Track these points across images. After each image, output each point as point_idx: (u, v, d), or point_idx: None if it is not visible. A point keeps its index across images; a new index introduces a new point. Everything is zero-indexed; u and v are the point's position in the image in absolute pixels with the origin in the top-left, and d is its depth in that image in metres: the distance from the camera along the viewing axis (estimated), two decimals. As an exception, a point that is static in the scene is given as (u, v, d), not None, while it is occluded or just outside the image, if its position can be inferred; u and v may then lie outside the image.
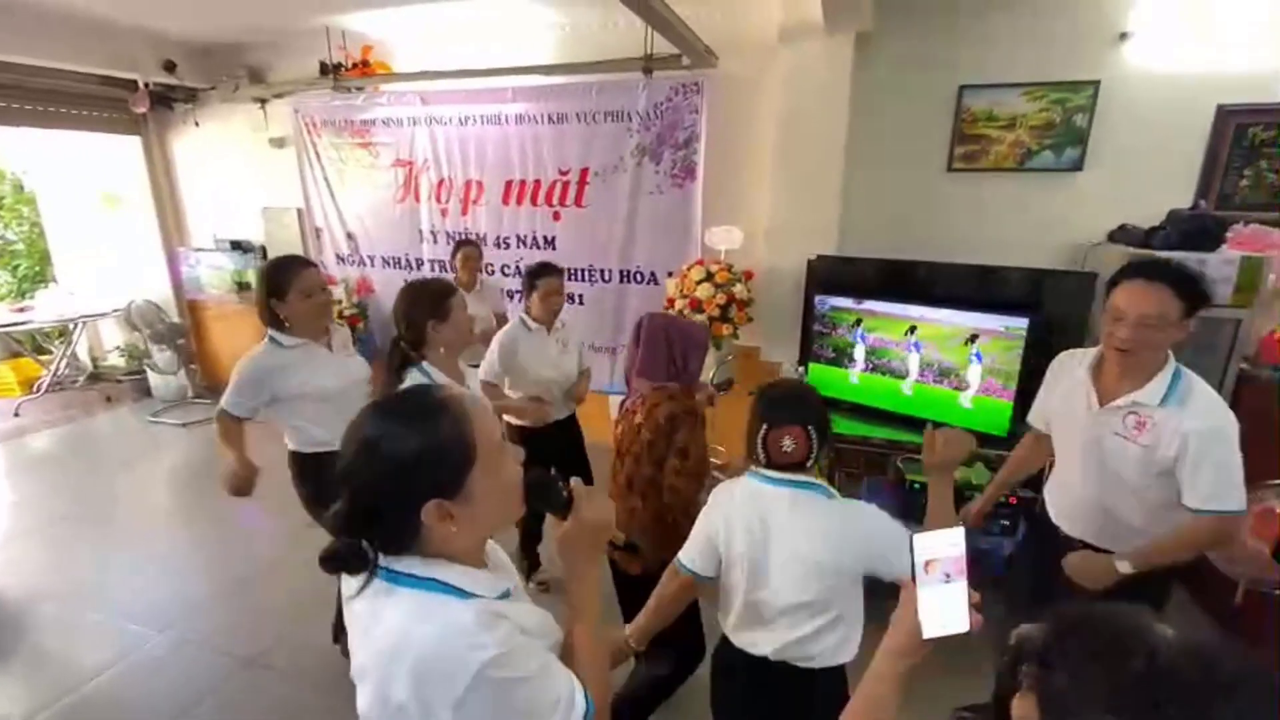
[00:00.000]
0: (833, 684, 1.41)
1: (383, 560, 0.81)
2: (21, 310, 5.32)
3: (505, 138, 4.01)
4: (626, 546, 1.75)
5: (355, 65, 4.10)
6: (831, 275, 3.13)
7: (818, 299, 3.04)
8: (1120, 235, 2.93)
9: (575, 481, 0.94)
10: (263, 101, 4.60)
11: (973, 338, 2.62)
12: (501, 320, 3.66)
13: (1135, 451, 1.53)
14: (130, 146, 5.11)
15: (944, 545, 0.80)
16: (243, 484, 2.10)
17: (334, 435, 2.06)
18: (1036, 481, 2.13)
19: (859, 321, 2.91)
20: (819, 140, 3.23)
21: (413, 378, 1.89)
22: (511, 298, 4.11)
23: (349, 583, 0.83)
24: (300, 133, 4.58)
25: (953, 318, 2.68)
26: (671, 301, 3.48)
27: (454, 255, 3.46)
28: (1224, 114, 2.85)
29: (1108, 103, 2.97)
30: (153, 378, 5.41)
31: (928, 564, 0.81)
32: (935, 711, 0.96)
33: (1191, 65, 2.84)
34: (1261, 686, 0.48)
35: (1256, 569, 2.09)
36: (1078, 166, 3.08)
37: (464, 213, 4.27)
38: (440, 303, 1.92)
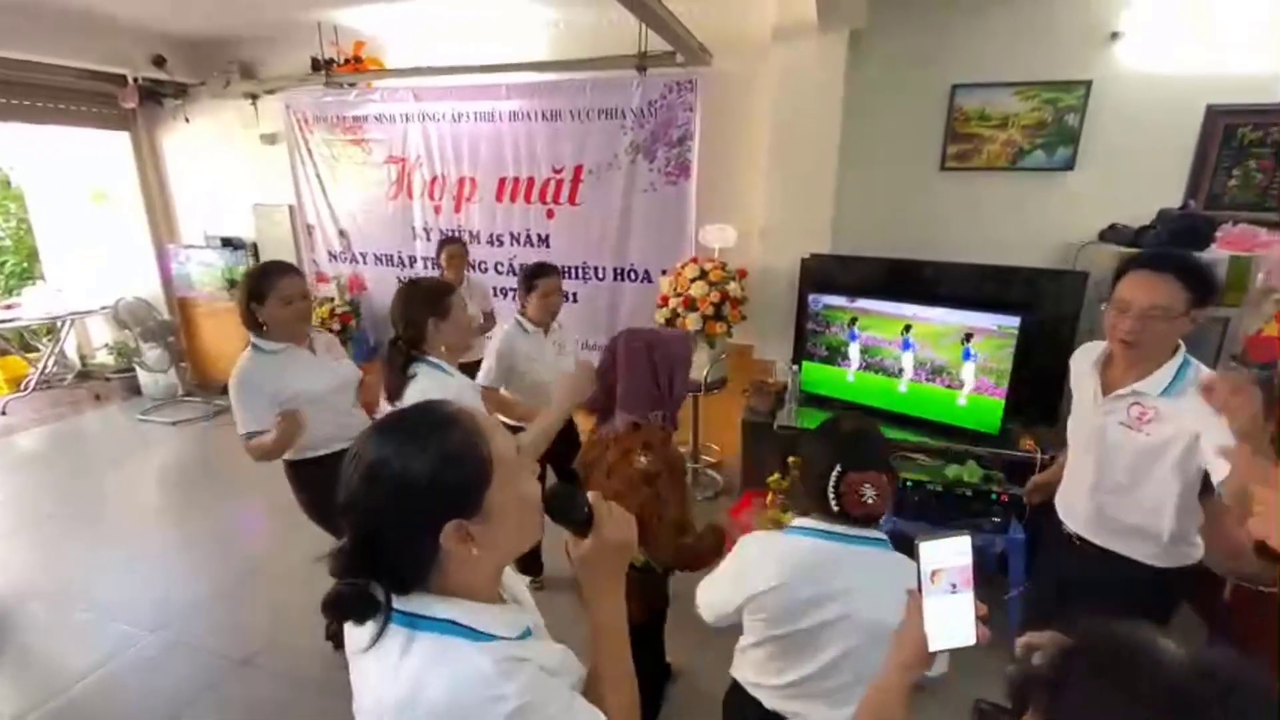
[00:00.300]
0: None
1: (395, 602, 0.73)
2: (9, 308, 5.25)
3: (499, 135, 3.99)
4: (644, 568, 1.68)
5: (348, 61, 4.07)
6: (825, 274, 3.15)
7: (811, 297, 3.05)
8: (1111, 235, 2.95)
9: (594, 495, 0.87)
10: (254, 97, 4.56)
11: (967, 336, 2.64)
12: (489, 319, 3.65)
13: (1140, 441, 1.48)
14: (119, 142, 5.05)
15: (950, 554, 0.77)
16: (293, 424, 1.95)
17: (327, 438, 2.07)
18: (1025, 479, 2.14)
19: (854, 320, 2.92)
20: (813, 138, 3.24)
21: (423, 372, 1.83)
22: (505, 296, 4.12)
23: (356, 636, 0.75)
24: (292, 129, 4.54)
25: (946, 316, 2.69)
26: (665, 299, 3.48)
27: (439, 253, 3.43)
28: (1213, 114, 2.87)
29: (1099, 102, 2.99)
30: (142, 376, 5.36)
31: (934, 574, 0.77)
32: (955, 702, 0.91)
33: (1182, 66, 2.86)
34: (1268, 702, 0.48)
35: (1247, 563, 2.10)
36: (1069, 166, 3.10)
37: (457, 210, 4.25)
38: (440, 301, 1.90)
